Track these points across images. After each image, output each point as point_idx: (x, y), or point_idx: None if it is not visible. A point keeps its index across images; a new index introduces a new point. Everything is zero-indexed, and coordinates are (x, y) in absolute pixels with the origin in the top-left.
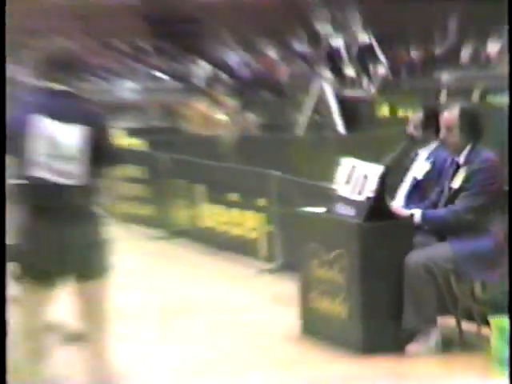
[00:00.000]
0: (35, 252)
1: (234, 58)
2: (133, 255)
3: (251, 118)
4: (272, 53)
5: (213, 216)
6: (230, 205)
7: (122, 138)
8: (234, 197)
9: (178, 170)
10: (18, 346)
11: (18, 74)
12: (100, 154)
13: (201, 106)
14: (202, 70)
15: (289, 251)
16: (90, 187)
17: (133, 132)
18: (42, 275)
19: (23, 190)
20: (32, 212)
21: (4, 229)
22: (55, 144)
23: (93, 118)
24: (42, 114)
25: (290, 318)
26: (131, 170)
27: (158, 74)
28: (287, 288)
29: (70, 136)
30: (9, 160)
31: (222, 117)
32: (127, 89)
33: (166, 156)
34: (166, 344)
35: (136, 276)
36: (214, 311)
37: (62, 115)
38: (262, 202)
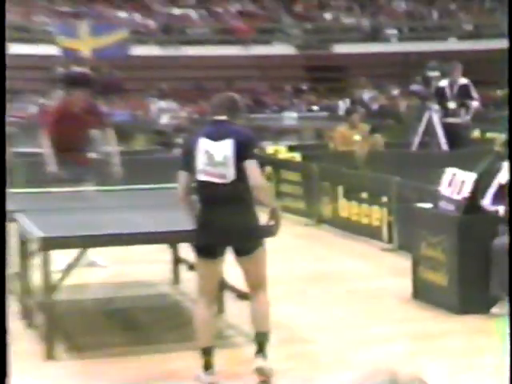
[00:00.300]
0: (203, 233)
1: (367, 94)
2: (289, 237)
3: (378, 138)
4: (394, 91)
5: (348, 209)
6: (361, 201)
7: (284, 153)
8: (364, 195)
9: (324, 176)
10: (197, 301)
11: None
12: (244, 159)
13: (342, 129)
14: (343, 103)
15: (404, 236)
16: (239, 184)
17: (292, 148)
18: (209, 251)
19: (196, 191)
20: (201, 205)
21: (4, 228)
22: (210, 156)
23: (237, 135)
24: (204, 137)
25: (404, 285)
26: (290, 175)
27: (312, 106)
28: (402, 263)
29: (220, 149)
30: (185, 171)
31: (357, 137)
32: (290, 117)
33: (315, 165)
34: (310, 303)
35: (290, 251)
36: (346, 279)
37: (214, 135)
38: (384, 199)
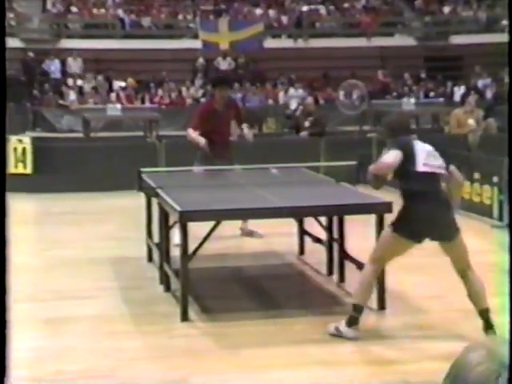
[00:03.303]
0: (409, 217)
1: (482, 82)
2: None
3: (491, 122)
4: (507, 78)
5: None
6: (474, 181)
7: None
8: (476, 175)
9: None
10: (369, 266)
11: None
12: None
13: (457, 113)
14: (459, 90)
15: None
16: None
17: None
18: (414, 234)
19: (412, 182)
20: (420, 195)
21: (4, 227)
22: (429, 153)
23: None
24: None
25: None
26: None
27: (430, 93)
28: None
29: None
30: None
31: (471, 121)
32: (408, 103)
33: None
34: (426, 275)
35: None
36: None
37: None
38: (495, 179)
